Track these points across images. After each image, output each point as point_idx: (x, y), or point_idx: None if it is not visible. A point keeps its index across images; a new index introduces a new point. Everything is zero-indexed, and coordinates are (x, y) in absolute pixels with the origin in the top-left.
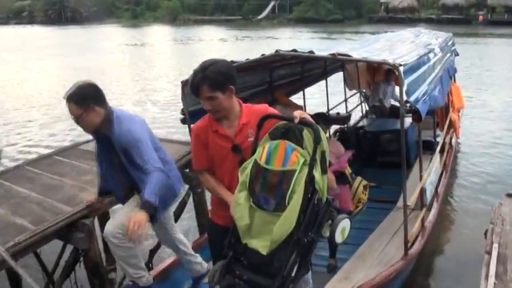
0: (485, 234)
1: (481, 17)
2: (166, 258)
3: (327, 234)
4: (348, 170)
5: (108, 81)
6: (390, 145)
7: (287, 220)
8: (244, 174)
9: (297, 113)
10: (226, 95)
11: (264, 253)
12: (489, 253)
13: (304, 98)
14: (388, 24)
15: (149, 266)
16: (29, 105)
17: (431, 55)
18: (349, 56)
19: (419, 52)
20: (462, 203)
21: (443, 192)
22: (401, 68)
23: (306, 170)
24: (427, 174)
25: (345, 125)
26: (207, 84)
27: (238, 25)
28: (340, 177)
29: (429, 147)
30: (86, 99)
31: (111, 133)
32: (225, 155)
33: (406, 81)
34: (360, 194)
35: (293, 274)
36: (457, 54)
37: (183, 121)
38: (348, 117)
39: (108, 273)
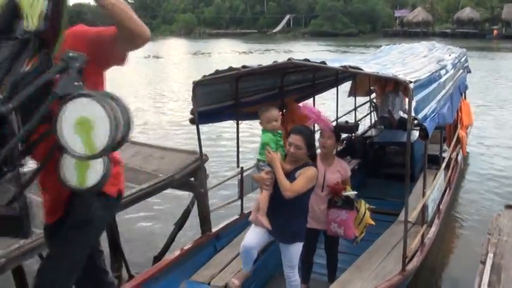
0: (483, 245)
1: (495, 32)
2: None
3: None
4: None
5: (124, 92)
6: (396, 157)
7: None
8: None
9: None
10: None
11: None
12: (483, 263)
13: (314, 105)
14: (402, 38)
15: None
16: None
17: (442, 72)
18: (361, 69)
19: (430, 68)
20: (464, 219)
21: (446, 209)
22: (411, 85)
23: None
24: (430, 191)
25: (353, 134)
26: None
27: (254, 38)
28: (347, 202)
29: (435, 161)
30: None
31: None
32: None
33: (416, 98)
34: (367, 218)
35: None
36: (469, 71)
37: (192, 121)
38: (355, 126)
39: None
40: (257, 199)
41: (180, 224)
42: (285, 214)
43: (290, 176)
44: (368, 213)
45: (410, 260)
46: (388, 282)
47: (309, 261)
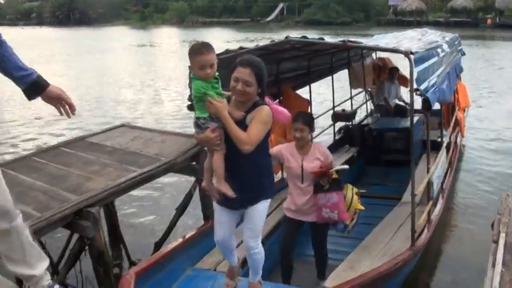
0: (492, 225)
1: (489, 21)
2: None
3: None
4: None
5: (119, 80)
6: (395, 143)
7: None
8: None
9: None
10: None
11: None
12: (496, 242)
13: (310, 92)
14: (396, 26)
15: None
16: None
17: (439, 50)
18: (360, 42)
19: (427, 46)
20: (466, 199)
21: (449, 189)
22: (412, 56)
23: None
24: (435, 167)
25: (350, 123)
26: None
27: (247, 27)
28: (335, 183)
29: (435, 147)
30: None
31: None
32: None
33: (416, 70)
34: (356, 203)
35: None
36: (463, 54)
37: (190, 108)
38: (353, 114)
39: (112, 268)
40: (205, 167)
41: (181, 209)
42: (245, 174)
43: (241, 123)
44: (356, 198)
45: (418, 236)
46: (400, 257)
47: (288, 259)
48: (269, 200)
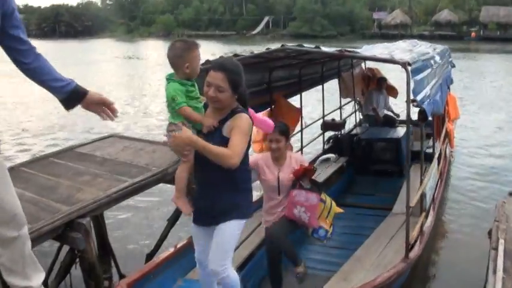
0: (489, 233)
1: (473, 34)
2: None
3: None
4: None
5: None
6: (384, 153)
7: None
8: None
9: None
10: None
11: None
12: (495, 249)
13: (301, 101)
14: (381, 39)
15: None
16: (23, 114)
17: (432, 61)
18: (357, 52)
19: (421, 57)
20: (455, 210)
21: (439, 200)
22: (409, 67)
23: None
24: (427, 179)
25: (339, 132)
26: None
27: (232, 40)
28: (316, 185)
29: (426, 158)
30: None
31: None
32: None
33: (413, 80)
34: (335, 208)
35: None
36: (453, 66)
37: None
38: (342, 124)
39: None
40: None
41: (173, 220)
42: (218, 189)
43: (216, 133)
44: (334, 203)
45: (411, 248)
46: (394, 270)
47: (276, 268)
48: (244, 221)
